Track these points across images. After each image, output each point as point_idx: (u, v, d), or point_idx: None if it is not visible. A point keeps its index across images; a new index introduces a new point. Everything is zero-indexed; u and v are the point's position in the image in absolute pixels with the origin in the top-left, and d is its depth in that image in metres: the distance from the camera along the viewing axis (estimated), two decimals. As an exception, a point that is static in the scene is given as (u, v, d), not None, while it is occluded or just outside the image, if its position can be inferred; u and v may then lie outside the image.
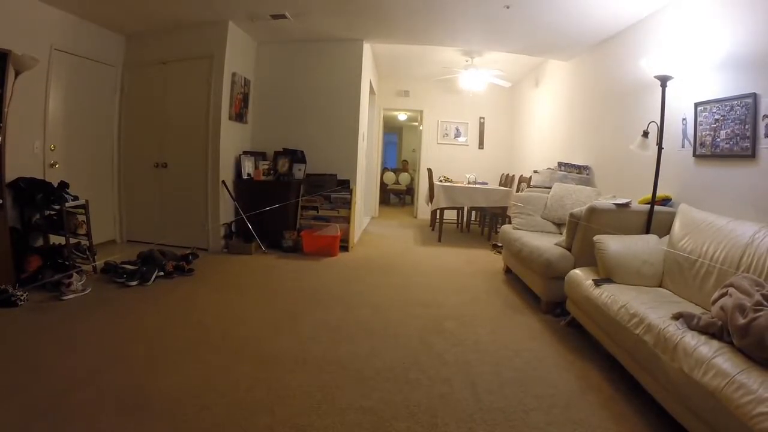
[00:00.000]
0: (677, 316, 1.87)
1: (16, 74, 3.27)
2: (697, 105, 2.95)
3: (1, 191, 3.12)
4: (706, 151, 2.87)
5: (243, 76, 5.02)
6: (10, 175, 3.40)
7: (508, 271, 4.28)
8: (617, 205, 3.03)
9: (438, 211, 6.14)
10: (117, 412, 1.75)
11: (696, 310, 1.94)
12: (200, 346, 2.41)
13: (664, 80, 2.90)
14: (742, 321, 1.57)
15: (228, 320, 2.84)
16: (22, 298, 2.87)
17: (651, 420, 1.84)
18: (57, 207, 3.57)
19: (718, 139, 2.76)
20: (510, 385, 2.12)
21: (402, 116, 10.66)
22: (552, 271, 3.12)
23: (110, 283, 3.43)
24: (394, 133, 13.37)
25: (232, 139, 4.89)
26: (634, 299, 2.18)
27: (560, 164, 4.77)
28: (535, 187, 4.86)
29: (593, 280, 2.55)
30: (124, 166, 4.97)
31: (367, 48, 5.46)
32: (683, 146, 3.11)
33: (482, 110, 8.09)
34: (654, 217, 2.94)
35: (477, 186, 6.22)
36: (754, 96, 2.49)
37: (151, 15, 4.35)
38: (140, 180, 4.95)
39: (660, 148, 2.94)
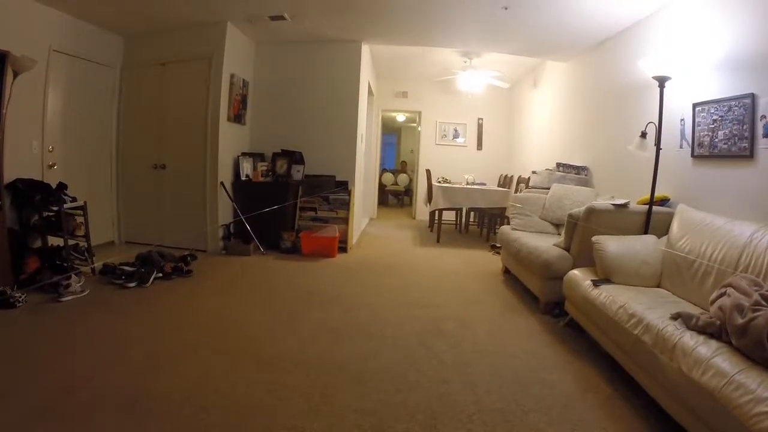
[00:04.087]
0: (676, 316, 1.87)
1: (15, 75, 3.26)
2: (695, 105, 2.95)
3: (-1, 192, 3.12)
4: (705, 152, 2.88)
5: (241, 78, 5.02)
6: (8, 176, 3.39)
7: (506, 271, 4.28)
8: (616, 205, 3.04)
9: (437, 212, 6.14)
10: (116, 413, 1.75)
11: (694, 310, 1.94)
12: (198, 348, 2.41)
13: (662, 81, 2.91)
14: (740, 321, 1.58)
15: (226, 322, 2.84)
16: (20, 299, 2.86)
17: (650, 420, 1.84)
18: (55, 208, 3.56)
19: (716, 140, 2.76)
20: (509, 385, 2.12)
21: (400, 117, 10.66)
22: (550, 271, 3.12)
23: (108, 284, 3.42)
24: (392, 134, 13.37)
25: (230, 141, 4.89)
26: (632, 299, 2.18)
27: (558, 165, 4.78)
28: (533, 187, 4.87)
29: (592, 280, 2.56)
30: (122, 168, 4.96)
31: (365, 49, 5.46)
32: (681, 147, 3.12)
33: (481, 111, 8.09)
34: (652, 218, 2.94)
35: (475, 187, 6.22)
36: (752, 96, 2.50)
37: (149, 16, 4.35)
38: (139, 181, 4.95)
39: (658, 149, 2.95)
